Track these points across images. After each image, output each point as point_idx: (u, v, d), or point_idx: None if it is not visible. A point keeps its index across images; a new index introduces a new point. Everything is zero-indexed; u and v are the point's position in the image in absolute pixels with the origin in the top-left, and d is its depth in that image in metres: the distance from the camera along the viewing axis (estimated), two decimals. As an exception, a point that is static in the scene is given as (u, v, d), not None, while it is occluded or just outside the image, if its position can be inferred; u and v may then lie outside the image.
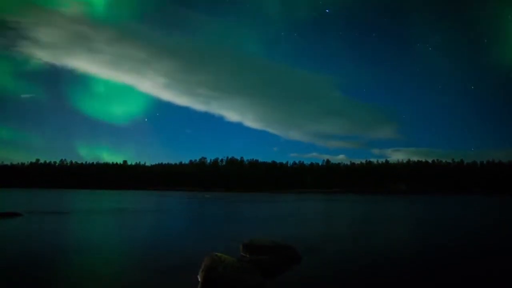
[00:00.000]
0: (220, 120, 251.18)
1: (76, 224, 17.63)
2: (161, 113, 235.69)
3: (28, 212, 21.76)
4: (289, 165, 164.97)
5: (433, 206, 37.20)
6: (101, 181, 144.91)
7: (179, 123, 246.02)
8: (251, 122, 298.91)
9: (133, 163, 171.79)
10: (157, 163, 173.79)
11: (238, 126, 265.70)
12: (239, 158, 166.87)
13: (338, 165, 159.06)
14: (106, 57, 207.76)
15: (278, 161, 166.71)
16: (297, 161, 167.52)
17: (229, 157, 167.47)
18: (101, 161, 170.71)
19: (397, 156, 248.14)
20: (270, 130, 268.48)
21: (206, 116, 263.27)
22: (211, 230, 15.43)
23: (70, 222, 18.35)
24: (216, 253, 7.30)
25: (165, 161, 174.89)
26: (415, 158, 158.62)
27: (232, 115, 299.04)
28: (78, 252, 9.61)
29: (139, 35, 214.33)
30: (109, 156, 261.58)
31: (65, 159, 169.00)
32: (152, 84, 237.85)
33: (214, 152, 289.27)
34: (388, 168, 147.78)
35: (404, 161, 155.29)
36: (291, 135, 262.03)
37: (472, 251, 10.60)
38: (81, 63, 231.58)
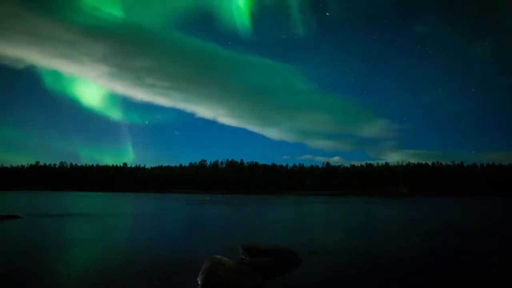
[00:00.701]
0: (190, 116, 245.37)
1: (75, 227, 17.61)
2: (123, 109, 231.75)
3: (28, 215, 21.75)
4: (289, 168, 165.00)
5: (433, 209, 37.13)
6: (101, 183, 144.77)
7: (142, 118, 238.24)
8: (225, 118, 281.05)
9: (133, 166, 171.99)
10: (157, 165, 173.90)
11: (213, 123, 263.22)
12: (239, 160, 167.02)
13: (338, 168, 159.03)
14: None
15: (273, 163, 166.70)
16: (291, 163, 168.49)
17: (229, 159, 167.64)
18: (101, 164, 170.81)
19: (393, 158, 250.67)
20: (249, 127, 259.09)
21: (175, 112, 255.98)
22: (211, 233, 15.42)
23: (69, 225, 18.33)
24: (216, 256, 7.32)
25: (165, 164, 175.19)
26: (412, 160, 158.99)
27: (202, 111, 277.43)
28: (77, 255, 9.62)
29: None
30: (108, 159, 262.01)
31: (65, 162, 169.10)
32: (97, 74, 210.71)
33: (200, 154, 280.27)
34: (388, 171, 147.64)
35: (404, 164, 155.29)
36: (275, 134, 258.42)
37: (472, 254, 10.60)
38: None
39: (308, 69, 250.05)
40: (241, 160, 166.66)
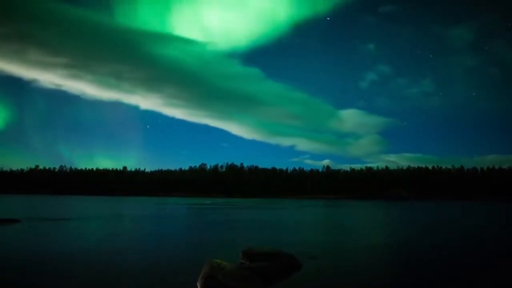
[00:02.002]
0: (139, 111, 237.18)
1: (74, 231, 17.52)
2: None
3: (27, 219, 21.66)
4: (289, 171, 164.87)
5: (433, 213, 37.02)
6: (100, 187, 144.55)
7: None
8: (184, 114, 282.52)
9: (133, 169, 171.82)
10: (157, 169, 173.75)
11: (179, 121, 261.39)
12: (239, 164, 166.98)
13: (338, 172, 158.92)
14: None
15: (273, 167, 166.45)
16: (289, 167, 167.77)
17: (229, 163, 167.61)
18: (101, 167, 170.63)
19: (383, 163, 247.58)
20: (216, 125, 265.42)
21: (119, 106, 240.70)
22: (210, 237, 15.33)
23: (68, 229, 18.24)
24: (216, 260, 7.24)
25: (164, 167, 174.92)
26: (405, 163, 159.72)
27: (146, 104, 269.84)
28: (76, 258, 9.54)
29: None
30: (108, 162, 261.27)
31: (64, 165, 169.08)
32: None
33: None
34: (388, 174, 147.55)
35: (404, 167, 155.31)
36: (247, 132, 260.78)
37: (473, 257, 10.51)
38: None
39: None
40: (241, 164, 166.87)
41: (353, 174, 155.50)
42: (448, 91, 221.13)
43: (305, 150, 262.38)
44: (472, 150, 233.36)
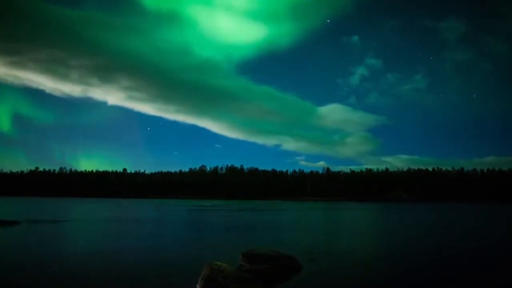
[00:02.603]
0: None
1: (74, 233, 17.48)
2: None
3: (27, 221, 21.63)
4: (289, 173, 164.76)
5: (433, 215, 36.96)
6: (100, 189, 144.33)
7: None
8: (153, 109, 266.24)
9: (133, 171, 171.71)
10: (156, 171, 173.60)
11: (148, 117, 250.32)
12: (238, 166, 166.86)
13: (338, 173, 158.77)
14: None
15: (273, 169, 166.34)
16: (295, 169, 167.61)
17: (229, 165, 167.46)
18: (100, 169, 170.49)
19: (377, 164, 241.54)
20: (191, 121, 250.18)
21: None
22: (210, 239, 15.30)
23: (68, 231, 18.20)
24: (216, 262, 7.21)
25: (164, 169, 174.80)
26: (400, 165, 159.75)
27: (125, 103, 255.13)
28: (75, 260, 9.51)
29: None
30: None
31: (64, 167, 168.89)
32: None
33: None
34: (388, 177, 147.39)
35: (405, 169, 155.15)
36: (227, 130, 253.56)
37: (473, 259, 10.49)
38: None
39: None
40: (241, 165, 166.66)
41: (353, 176, 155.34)
42: (441, 88, 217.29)
43: (293, 150, 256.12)
44: (469, 151, 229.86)
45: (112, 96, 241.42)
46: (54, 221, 22.64)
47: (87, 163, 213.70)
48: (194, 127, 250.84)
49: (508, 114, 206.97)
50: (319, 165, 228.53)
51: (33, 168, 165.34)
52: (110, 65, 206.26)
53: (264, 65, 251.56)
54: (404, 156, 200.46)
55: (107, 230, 19.00)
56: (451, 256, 11.12)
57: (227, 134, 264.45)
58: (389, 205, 73.95)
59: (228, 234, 17.98)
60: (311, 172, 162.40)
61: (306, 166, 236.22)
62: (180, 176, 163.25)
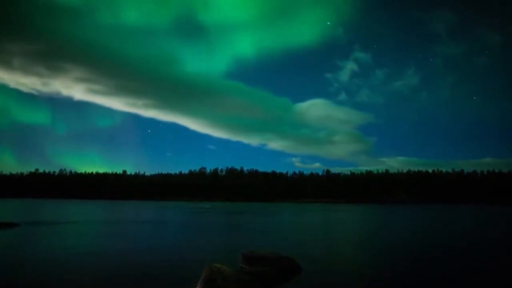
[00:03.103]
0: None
1: (73, 235, 17.43)
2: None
3: (26, 223, 21.58)
4: (289, 175, 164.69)
5: (433, 216, 36.93)
6: (100, 191, 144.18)
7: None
8: (120, 104, 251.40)
9: (133, 173, 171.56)
10: (156, 173, 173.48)
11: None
12: (238, 168, 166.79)
13: (338, 175, 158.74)
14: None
15: (273, 170, 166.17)
16: (296, 171, 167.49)
17: (229, 167, 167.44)
18: (100, 171, 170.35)
19: (374, 165, 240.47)
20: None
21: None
22: (210, 241, 15.26)
23: (67, 233, 18.15)
24: (215, 264, 7.19)
25: (164, 171, 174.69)
26: (394, 166, 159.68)
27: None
28: (75, 262, 9.48)
29: None
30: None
31: (64, 169, 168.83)
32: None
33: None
34: (388, 178, 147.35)
35: (405, 171, 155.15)
36: (209, 129, 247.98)
37: (473, 262, 10.47)
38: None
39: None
40: (241, 167, 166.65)
41: (352, 177, 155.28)
42: (434, 85, 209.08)
43: (280, 150, 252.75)
44: (465, 153, 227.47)
45: (69, 89, 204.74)
46: (53, 223, 22.59)
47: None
48: (175, 125, 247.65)
49: (504, 114, 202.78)
50: (315, 167, 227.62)
51: (32, 170, 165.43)
52: (58, 53, 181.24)
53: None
54: (400, 158, 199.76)
55: (106, 232, 18.95)
56: (451, 257, 11.09)
57: (211, 133, 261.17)
58: (389, 206, 73.89)
59: (227, 235, 17.94)
60: (311, 173, 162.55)
61: (301, 167, 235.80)
62: (180, 177, 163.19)
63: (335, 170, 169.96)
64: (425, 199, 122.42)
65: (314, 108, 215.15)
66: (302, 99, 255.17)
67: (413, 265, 9.86)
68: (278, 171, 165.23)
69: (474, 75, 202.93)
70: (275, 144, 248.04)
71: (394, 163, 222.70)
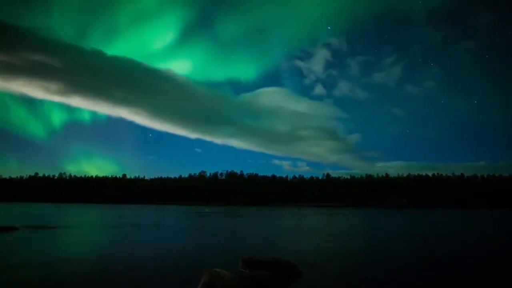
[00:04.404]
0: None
1: (72, 239, 17.38)
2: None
3: (25, 226, 21.50)
4: (289, 179, 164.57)
5: (434, 221, 36.82)
6: (100, 195, 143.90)
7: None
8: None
9: (133, 177, 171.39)
10: (156, 176, 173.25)
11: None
12: (238, 172, 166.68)
13: (338, 179, 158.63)
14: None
15: (273, 174, 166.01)
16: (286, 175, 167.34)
17: (229, 171, 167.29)
18: (100, 175, 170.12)
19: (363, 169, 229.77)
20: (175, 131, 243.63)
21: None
22: (210, 245, 15.20)
23: (66, 237, 18.10)
24: (215, 269, 7.17)
25: (164, 175, 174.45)
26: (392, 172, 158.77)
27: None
28: (73, 267, 9.44)
29: None
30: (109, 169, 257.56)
31: (64, 173, 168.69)
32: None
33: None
34: (388, 182, 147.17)
35: (405, 175, 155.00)
36: (160, 124, 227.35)
37: (473, 266, 10.43)
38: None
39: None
40: (241, 171, 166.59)
41: (352, 181, 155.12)
42: (419, 75, 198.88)
43: (246, 148, 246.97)
44: (461, 155, 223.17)
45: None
46: (53, 227, 22.50)
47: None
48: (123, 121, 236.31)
49: (497, 116, 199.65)
50: (304, 169, 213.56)
51: (32, 173, 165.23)
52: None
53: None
54: (394, 163, 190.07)
55: (105, 236, 18.90)
56: (451, 262, 11.04)
57: (166, 129, 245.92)
58: (389, 211, 73.71)
59: (227, 240, 17.88)
60: (311, 177, 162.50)
61: (291, 170, 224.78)
62: (179, 181, 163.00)
63: (317, 170, 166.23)
64: (426, 203, 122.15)
65: (273, 99, 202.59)
66: (255, 87, 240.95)
67: (414, 271, 9.82)
68: (278, 175, 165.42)
69: (462, 60, 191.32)
70: (237, 142, 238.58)
71: (390, 168, 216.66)
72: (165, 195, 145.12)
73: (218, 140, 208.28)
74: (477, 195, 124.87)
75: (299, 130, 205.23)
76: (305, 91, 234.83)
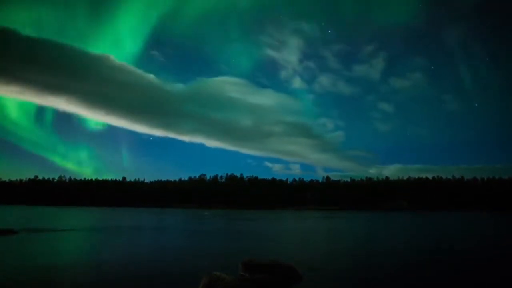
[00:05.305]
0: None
1: (72, 242, 17.35)
2: None
3: (24, 230, 21.46)
4: (289, 182, 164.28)
5: (434, 223, 36.74)
6: (100, 198, 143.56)
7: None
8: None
9: (132, 180, 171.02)
10: (156, 179, 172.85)
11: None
12: (238, 175, 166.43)
13: (338, 182, 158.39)
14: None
15: (273, 177, 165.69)
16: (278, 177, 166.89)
17: (229, 174, 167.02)
18: (100, 178, 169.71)
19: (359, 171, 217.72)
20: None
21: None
22: (210, 248, 15.18)
23: (66, 240, 18.06)
24: (215, 272, 7.16)
25: (164, 178, 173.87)
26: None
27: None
28: (73, 270, 9.42)
29: None
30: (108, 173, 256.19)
31: (63, 176, 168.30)
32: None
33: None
34: (388, 185, 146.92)
35: (405, 178, 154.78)
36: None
37: (473, 269, 10.41)
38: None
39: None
40: (241, 174, 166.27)
41: (352, 184, 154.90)
42: (404, 68, 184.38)
43: (219, 147, 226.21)
44: (457, 157, 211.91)
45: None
46: (52, 230, 22.46)
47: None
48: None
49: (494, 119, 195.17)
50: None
51: (32, 176, 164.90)
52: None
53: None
54: (389, 166, 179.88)
55: (105, 239, 18.84)
56: (450, 266, 11.02)
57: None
58: (389, 214, 73.56)
59: (227, 243, 17.84)
60: (311, 180, 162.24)
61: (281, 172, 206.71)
62: (179, 184, 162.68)
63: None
64: (426, 206, 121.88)
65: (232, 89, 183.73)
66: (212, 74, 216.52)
67: (414, 274, 9.80)
68: (278, 178, 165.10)
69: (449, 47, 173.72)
70: (207, 140, 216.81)
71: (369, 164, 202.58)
72: (165, 198, 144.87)
73: (185, 137, 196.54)
74: (477, 198, 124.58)
75: (269, 125, 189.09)
76: (274, 81, 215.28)
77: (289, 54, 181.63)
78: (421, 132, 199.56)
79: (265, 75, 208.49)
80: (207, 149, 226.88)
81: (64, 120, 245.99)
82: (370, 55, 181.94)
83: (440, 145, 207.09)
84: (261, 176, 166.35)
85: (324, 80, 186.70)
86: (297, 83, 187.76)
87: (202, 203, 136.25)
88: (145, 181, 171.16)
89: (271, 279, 7.88)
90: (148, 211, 79.14)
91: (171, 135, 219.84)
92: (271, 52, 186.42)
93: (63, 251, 14.15)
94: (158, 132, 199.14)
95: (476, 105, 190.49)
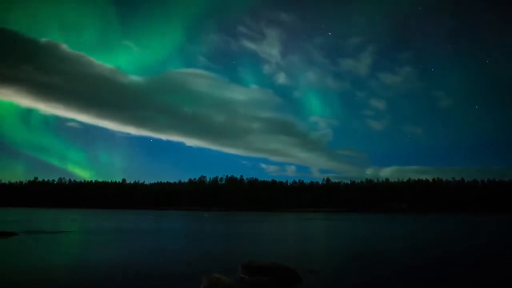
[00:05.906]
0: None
1: (71, 244, 17.31)
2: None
3: (24, 232, 21.43)
4: (289, 184, 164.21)
5: (434, 226, 36.68)
6: (99, 200, 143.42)
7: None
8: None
9: (132, 182, 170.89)
10: (156, 181, 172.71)
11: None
12: (238, 177, 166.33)
13: (338, 184, 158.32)
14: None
15: (273, 179, 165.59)
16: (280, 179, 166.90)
17: (229, 175, 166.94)
18: (100, 180, 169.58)
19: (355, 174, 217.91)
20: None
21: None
22: (209, 250, 15.13)
23: (65, 242, 18.02)
24: (215, 274, 7.14)
25: (164, 180, 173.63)
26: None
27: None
28: (72, 272, 9.39)
29: None
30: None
31: (63, 178, 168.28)
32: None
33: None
34: (388, 187, 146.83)
35: (405, 180, 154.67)
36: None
37: (474, 271, 10.38)
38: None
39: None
40: (241, 176, 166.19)
41: (352, 186, 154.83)
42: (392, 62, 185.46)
43: (201, 146, 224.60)
44: (454, 159, 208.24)
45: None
46: (52, 233, 22.42)
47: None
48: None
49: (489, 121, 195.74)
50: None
51: (31, 178, 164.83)
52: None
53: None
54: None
55: (104, 241, 18.80)
56: (451, 268, 11.00)
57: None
58: (389, 216, 73.46)
59: (227, 245, 17.80)
60: (311, 182, 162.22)
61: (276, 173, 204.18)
62: (179, 186, 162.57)
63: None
64: (426, 208, 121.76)
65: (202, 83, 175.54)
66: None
67: (414, 277, 9.77)
68: (278, 180, 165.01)
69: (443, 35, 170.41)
70: (193, 141, 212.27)
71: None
72: (165, 200, 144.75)
73: (161, 135, 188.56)
74: (478, 200, 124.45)
75: (250, 122, 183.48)
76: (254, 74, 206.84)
77: (271, 48, 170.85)
78: (416, 130, 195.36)
79: (244, 68, 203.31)
80: (189, 149, 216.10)
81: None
82: (356, 49, 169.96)
83: (436, 146, 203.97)
84: (260, 178, 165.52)
85: (311, 76, 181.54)
86: (281, 78, 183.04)
87: (202, 205, 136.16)
88: (145, 183, 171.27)
89: (271, 281, 7.85)
90: (147, 213, 79.03)
91: (145, 133, 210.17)
92: (250, 45, 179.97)
93: (62, 253, 14.12)
94: (131, 130, 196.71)
95: (476, 107, 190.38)
